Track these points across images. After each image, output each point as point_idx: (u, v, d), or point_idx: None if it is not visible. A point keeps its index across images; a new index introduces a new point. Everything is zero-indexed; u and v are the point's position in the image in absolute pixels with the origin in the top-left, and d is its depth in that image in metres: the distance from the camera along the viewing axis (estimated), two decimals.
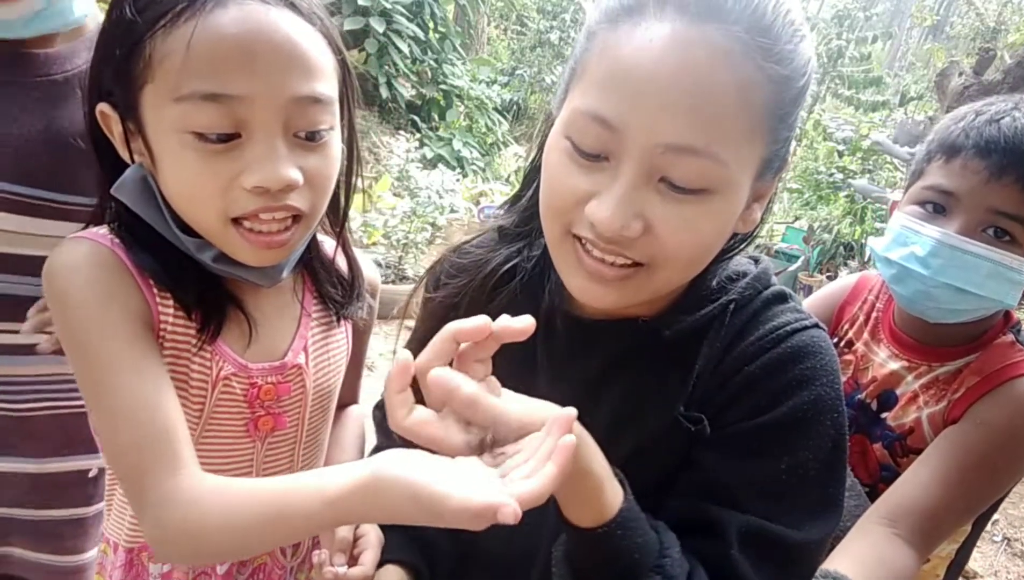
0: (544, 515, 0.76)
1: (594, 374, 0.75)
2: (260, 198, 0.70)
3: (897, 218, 1.05)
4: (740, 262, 0.77)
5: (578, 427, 0.60)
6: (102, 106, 0.73)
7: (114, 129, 0.74)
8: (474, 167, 8.80)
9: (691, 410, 0.70)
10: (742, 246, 0.75)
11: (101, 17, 0.95)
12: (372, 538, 0.81)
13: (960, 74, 5.36)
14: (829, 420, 0.68)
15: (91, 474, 1.09)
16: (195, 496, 0.66)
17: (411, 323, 0.89)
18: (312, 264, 0.89)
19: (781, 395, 0.67)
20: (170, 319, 0.76)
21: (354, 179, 0.85)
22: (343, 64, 0.76)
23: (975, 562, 3.18)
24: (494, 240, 0.83)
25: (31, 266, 0.94)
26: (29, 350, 0.95)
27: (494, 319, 0.76)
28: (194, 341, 0.77)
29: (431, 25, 8.89)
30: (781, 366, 0.68)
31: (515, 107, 12.07)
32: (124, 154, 0.74)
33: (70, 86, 0.94)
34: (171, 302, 0.76)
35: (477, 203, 8.01)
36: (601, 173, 0.61)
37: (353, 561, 0.79)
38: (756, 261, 0.77)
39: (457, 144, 8.70)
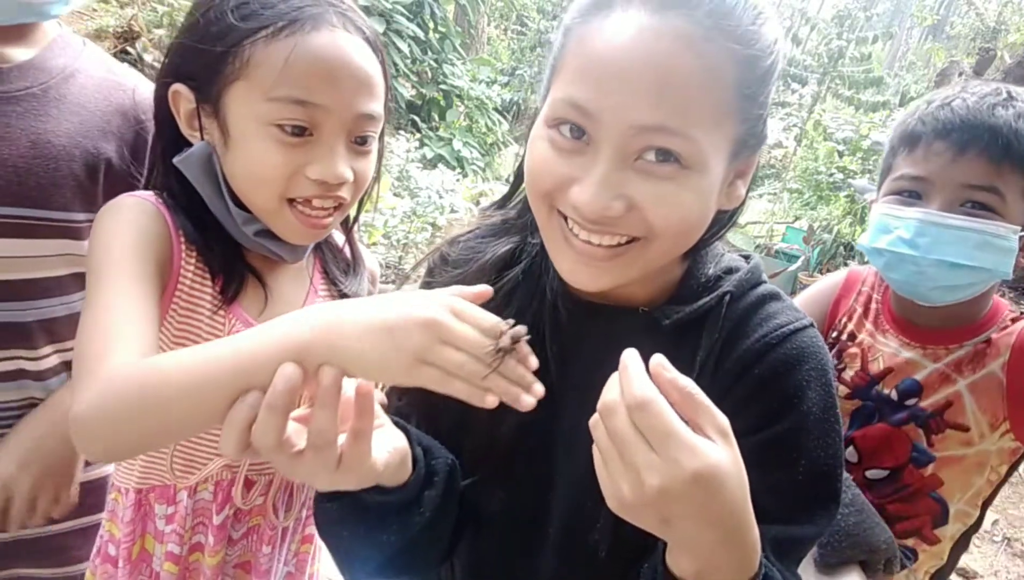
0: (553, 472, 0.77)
1: (599, 359, 0.75)
2: (318, 188, 0.82)
3: (876, 209, 1.07)
4: (733, 258, 0.80)
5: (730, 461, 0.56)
6: (178, 86, 0.83)
7: (182, 108, 0.83)
8: (474, 167, 8.80)
9: None
10: (730, 222, 0.78)
11: (58, 27, 0.97)
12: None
13: (960, 74, 5.37)
14: (832, 417, 0.72)
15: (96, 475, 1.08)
16: (116, 374, 0.64)
17: None
18: (323, 248, 1.01)
19: (792, 399, 0.70)
20: (190, 275, 0.85)
21: (372, 186, 0.96)
22: (387, 90, 0.89)
23: (975, 562, 3.18)
24: (490, 233, 0.85)
25: (28, 290, 0.92)
26: (17, 376, 0.95)
27: (497, 306, 0.78)
28: (210, 300, 0.86)
29: (431, 25, 8.89)
30: (788, 369, 0.71)
31: (515, 107, 12.07)
32: (186, 131, 0.84)
33: (48, 98, 0.91)
34: (194, 261, 0.85)
35: (477, 203, 8.00)
36: (581, 157, 0.65)
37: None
38: (747, 258, 0.81)
39: (457, 144, 8.69)
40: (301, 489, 0.98)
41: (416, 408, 0.83)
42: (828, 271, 7.43)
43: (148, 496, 0.91)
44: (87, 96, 0.95)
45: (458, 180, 6.65)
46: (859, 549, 0.88)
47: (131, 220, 0.81)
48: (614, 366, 0.75)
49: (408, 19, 8.28)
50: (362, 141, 0.85)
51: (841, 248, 7.42)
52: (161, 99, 0.85)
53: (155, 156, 0.91)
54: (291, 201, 0.83)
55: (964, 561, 3.06)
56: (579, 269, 0.68)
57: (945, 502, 1.09)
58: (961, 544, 1.15)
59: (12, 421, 0.96)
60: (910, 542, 1.12)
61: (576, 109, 0.63)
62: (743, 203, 0.75)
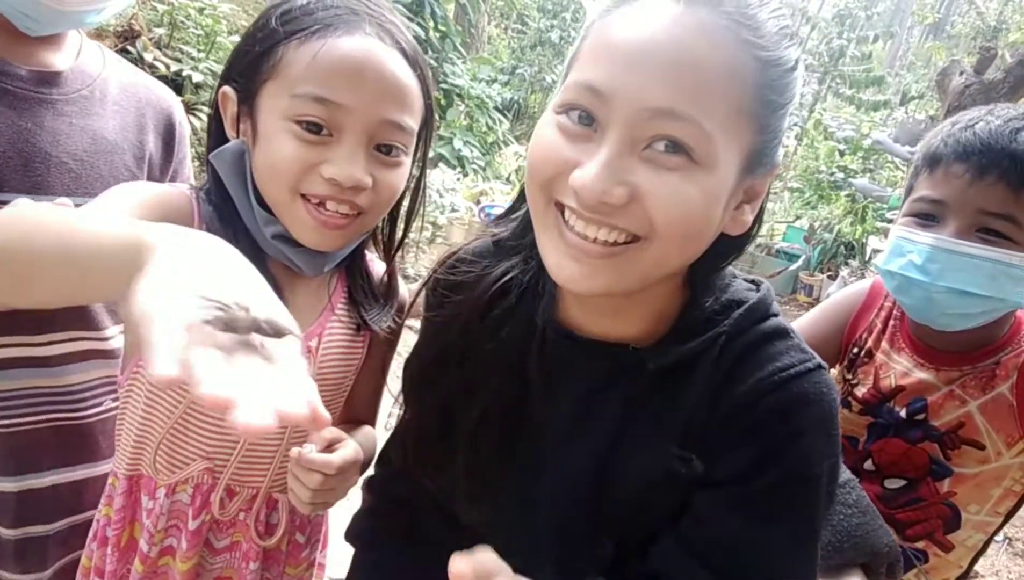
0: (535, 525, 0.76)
1: (582, 397, 0.74)
2: (332, 188, 0.81)
3: (893, 232, 1.06)
4: (741, 288, 0.74)
5: None
6: (225, 88, 0.87)
7: (228, 109, 0.87)
8: (474, 166, 8.79)
9: (687, 449, 0.69)
10: (737, 253, 0.73)
11: (79, 36, 1.04)
12: (351, 446, 0.86)
13: (961, 73, 5.36)
14: (827, 467, 0.69)
15: None
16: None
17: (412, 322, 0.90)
18: (352, 269, 0.99)
19: (784, 448, 0.67)
20: None
21: (415, 215, 0.98)
22: (429, 108, 0.89)
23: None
24: (489, 251, 0.83)
25: None
26: (87, 356, 1.00)
27: (489, 333, 0.78)
28: None
29: (431, 24, 8.88)
30: (784, 414, 0.67)
31: (516, 106, 12.08)
32: (230, 133, 0.88)
33: (95, 98, 1.00)
34: None
35: (477, 202, 8.01)
36: (587, 143, 0.62)
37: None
38: (757, 286, 0.76)
39: (457, 143, 8.69)
40: (288, 511, 0.95)
41: (411, 433, 0.84)
42: (829, 270, 7.44)
43: (137, 482, 0.91)
44: (123, 96, 1.04)
45: (458, 179, 6.66)
46: (861, 551, 0.87)
47: (153, 189, 0.85)
48: (596, 406, 0.73)
49: (408, 18, 8.23)
50: (387, 150, 0.84)
51: (842, 247, 7.43)
52: (214, 102, 0.90)
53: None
54: (304, 198, 0.83)
55: None
56: (569, 265, 0.64)
57: (956, 507, 1.09)
58: (980, 550, 1.15)
59: (93, 400, 1.02)
60: (920, 544, 1.12)
61: (588, 91, 0.61)
62: (751, 232, 0.71)
